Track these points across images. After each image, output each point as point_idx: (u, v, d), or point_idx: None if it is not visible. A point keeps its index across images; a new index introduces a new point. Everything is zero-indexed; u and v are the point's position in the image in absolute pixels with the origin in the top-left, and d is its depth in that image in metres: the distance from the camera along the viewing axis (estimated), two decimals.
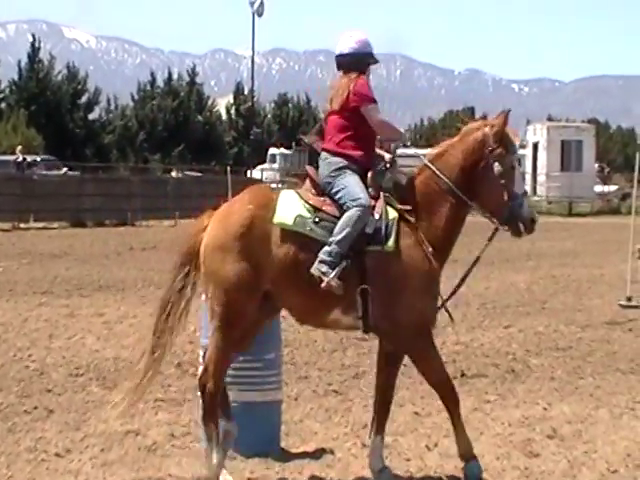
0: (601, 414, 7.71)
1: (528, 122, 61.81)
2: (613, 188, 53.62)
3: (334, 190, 5.84)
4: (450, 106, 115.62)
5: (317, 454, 6.58)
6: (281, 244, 5.75)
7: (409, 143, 6.78)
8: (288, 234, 5.75)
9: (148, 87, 71.34)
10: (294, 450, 6.70)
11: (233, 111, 76.64)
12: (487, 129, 5.93)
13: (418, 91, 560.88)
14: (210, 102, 73.64)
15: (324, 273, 5.65)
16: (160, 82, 72.29)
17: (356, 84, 5.93)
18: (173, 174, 46.48)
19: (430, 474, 6.16)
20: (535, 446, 6.78)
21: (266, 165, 60.84)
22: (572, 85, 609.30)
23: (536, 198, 47.29)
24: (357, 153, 5.93)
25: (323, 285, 5.62)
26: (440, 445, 6.81)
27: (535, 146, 49.02)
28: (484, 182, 5.91)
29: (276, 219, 5.77)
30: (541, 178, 47.81)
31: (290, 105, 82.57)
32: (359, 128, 5.93)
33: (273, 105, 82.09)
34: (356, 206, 5.75)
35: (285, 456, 6.51)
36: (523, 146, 58.37)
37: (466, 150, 5.93)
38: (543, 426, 7.30)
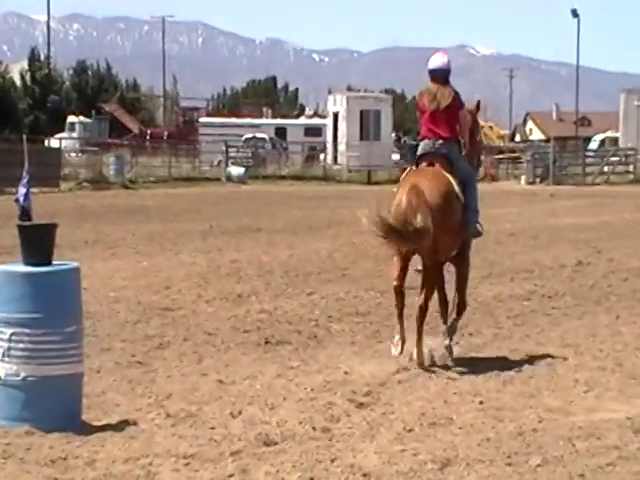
0: (399, 376, 7.97)
1: (329, 92, 62.74)
2: None
3: (461, 168, 8.70)
4: (252, 75, 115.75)
5: (120, 426, 6.51)
6: (455, 205, 8.47)
7: None
8: (458, 199, 8.50)
9: None
10: (96, 423, 6.60)
11: (28, 78, 74.02)
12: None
13: (220, 60, 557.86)
14: (3, 68, 70.84)
15: (481, 228, 8.80)
16: None
17: (456, 94, 8.75)
18: None
19: (234, 441, 6.21)
20: (336, 410, 6.95)
21: (65, 134, 59.21)
22: (370, 56, 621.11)
23: (337, 167, 48.19)
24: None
25: (480, 235, 8.89)
26: (244, 413, 6.88)
27: (335, 116, 49.83)
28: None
29: (456, 189, 8.48)
30: (342, 147, 48.69)
31: (89, 73, 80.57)
32: (456, 123, 8.78)
33: (71, 72, 79.87)
34: (475, 180, 9.01)
35: (86, 430, 6.39)
36: (324, 116, 59.24)
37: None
38: (344, 390, 7.48)
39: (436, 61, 8.94)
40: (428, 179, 8.42)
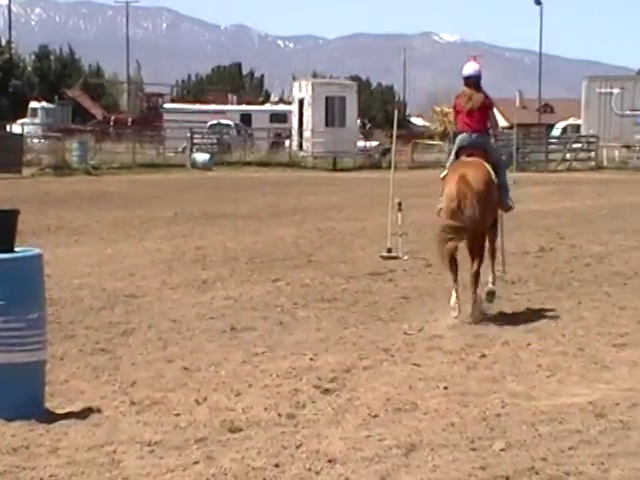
0: (364, 362, 8.00)
1: (294, 78, 62.61)
2: (374, 144, 55.24)
3: (493, 154, 10.50)
4: (217, 62, 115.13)
5: (84, 414, 6.48)
6: (494, 189, 10.15)
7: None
8: (494, 183, 10.17)
9: None
10: (59, 411, 6.56)
11: None
12: None
13: (185, 46, 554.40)
14: None
15: (512, 203, 10.70)
16: None
17: (488, 97, 10.55)
18: None
19: (199, 428, 6.20)
20: (302, 396, 6.96)
21: (27, 119, 58.64)
22: (335, 42, 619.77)
23: (302, 154, 48.10)
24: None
25: (512, 210, 10.85)
26: (209, 399, 6.87)
27: (301, 102, 49.69)
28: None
29: (492, 174, 10.15)
30: (307, 134, 48.56)
31: (52, 58, 79.86)
32: (487, 120, 10.55)
33: (34, 57, 79.11)
34: (504, 163, 10.89)
35: (50, 417, 6.36)
36: (290, 102, 59.10)
37: None
38: (310, 376, 7.49)
39: (469, 69, 10.64)
40: (472, 170, 10.02)
